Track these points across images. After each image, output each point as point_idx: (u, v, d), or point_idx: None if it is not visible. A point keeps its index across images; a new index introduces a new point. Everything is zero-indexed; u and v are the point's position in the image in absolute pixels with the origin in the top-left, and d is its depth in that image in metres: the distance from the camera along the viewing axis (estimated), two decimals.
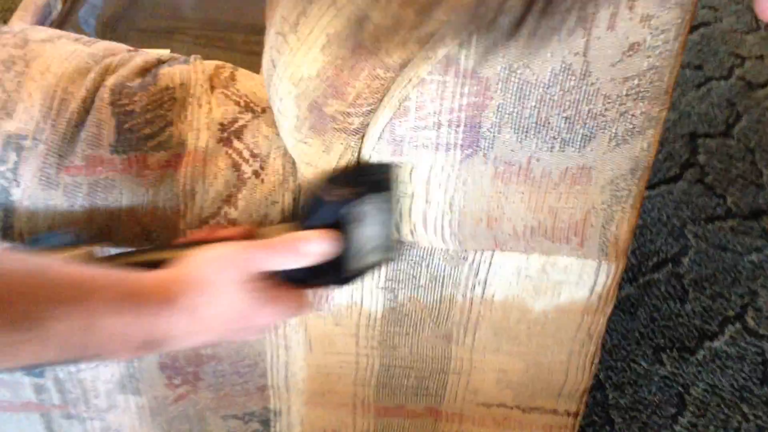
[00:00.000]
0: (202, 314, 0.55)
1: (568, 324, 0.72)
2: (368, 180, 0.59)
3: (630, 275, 1.34)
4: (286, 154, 0.65)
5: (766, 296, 1.31)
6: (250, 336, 0.62)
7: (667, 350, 1.23)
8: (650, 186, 1.52)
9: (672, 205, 1.47)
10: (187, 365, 0.79)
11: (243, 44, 1.21)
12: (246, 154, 0.64)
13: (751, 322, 1.27)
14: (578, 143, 0.57)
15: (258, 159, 0.64)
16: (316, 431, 0.84)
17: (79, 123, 0.65)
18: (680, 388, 1.18)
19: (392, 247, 0.65)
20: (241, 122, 0.65)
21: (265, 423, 0.84)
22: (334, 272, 0.60)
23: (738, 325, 1.26)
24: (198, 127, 0.64)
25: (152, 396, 0.82)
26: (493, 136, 0.57)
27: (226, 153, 0.64)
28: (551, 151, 0.57)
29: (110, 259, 0.61)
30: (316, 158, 0.61)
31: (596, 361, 0.75)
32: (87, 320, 0.50)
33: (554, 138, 0.57)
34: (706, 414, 1.15)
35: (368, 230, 0.60)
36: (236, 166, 0.64)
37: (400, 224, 0.64)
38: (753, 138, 1.61)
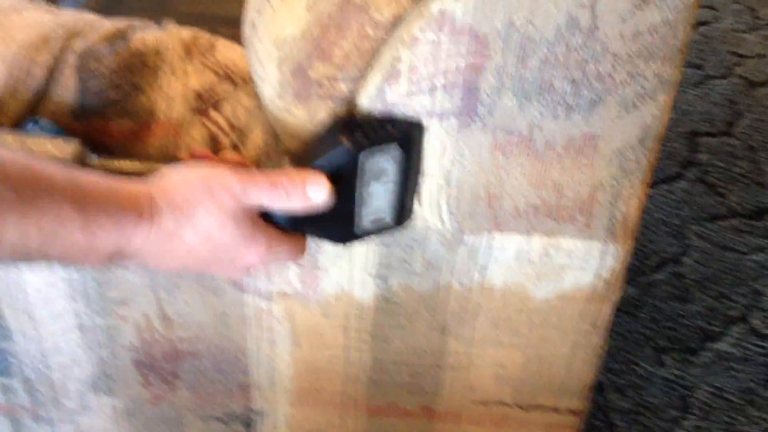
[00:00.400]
0: (181, 236, 0.50)
1: (571, 313, 0.67)
2: (392, 133, 0.53)
3: (631, 275, 1.29)
4: (267, 128, 0.60)
5: None
6: (233, 274, 0.56)
7: (670, 352, 1.18)
8: (650, 185, 1.48)
9: (673, 205, 1.42)
10: (165, 362, 0.74)
11: (232, 38, 1.18)
12: (224, 125, 0.59)
13: (756, 323, 1.22)
14: (584, 109, 0.52)
15: (237, 131, 0.59)
16: None
17: (43, 92, 0.61)
18: (683, 391, 1.13)
19: (406, 215, 0.59)
20: (220, 93, 0.60)
21: (248, 424, 0.79)
22: (337, 227, 0.54)
23: (742, 326, 1.22)
24: (172, 96, 0.60)
25: (127, 396, 0.77)
26: (493, 101, 0.53)
27: (202, 123, 0.59)
28: (555, 118, 0.53)
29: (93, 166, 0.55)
30: (300, 129, 0.56)
31: (602, 354, 0.71)
32: (46, 228, 0.45)
33: (558, 103, 0.52)
34: (709, 417, 1.10)
35: (383, 188, 0.54)
36: (213, 138, 0.59)
37: (420, 189, 0.58)
38: (755, 136, 1.57)
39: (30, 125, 0.58)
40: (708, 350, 1.18)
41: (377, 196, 0.54)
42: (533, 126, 0.54)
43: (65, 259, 0.48)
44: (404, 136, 0.53)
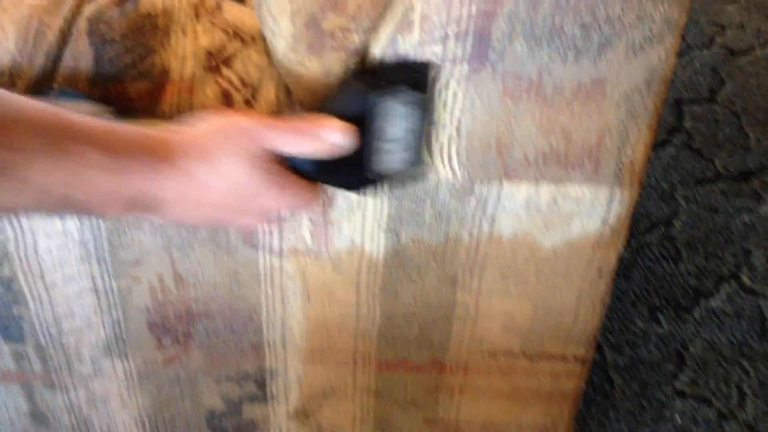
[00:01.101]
0: (202, 181, 0.50)
1: (578, 261, 0.69)
2: (406, 76, 0.54)
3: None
4: (279, 84, 0.61)
5: (760, 254, 1.29)
6: (250, 221, 0.56)
7: (664, 310, 1.21)
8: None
9: (661, 170, 1.45)
10: (178, 324, 0.75)
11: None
12: (236, 82, 0.60)
13: (746, 280, 1.25)
14: (593, 52, 0.54)
15: (249, 88, 0.60)
16: (315, 390, 0.81)
17: (56, 56, 0.61)
18: (679, 346, 1.16)
19: (420, 162, 0.59)
20: (230, 50, 0.61)
21: (261, 384, 0.80)
22: (351, 173, 0.54)
23: (733, 284, 1.25)
24: (183, 56, 0.60)
25: (141, 359, 0.78)
26: (503, 47, 0.54)
27: (215, 81, 0.60)
28: (564, 63, 0.54)
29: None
30: (314, 82, 0.57)
31: (606, 300, 0.72)
32: (70, 171, 0.46)
33: (568, 47, 0.54)
34: (706, 370, 1.13)
35: (396, 131, 0.55)
36: (226, 95, 0.60)
37: (432, 141, 0.59)
38: (738, 103, 1.60)
39: (57, 93, 0.58)
40: (701, 307, 1.21)
41: (390, 140, 0.55)
42: (543, 71, 0.55)
43: (87, 204, 0.48)
44: (418, 79, 0.54)
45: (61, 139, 0.45)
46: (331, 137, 0.52)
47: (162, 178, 0.49)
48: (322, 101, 0.56)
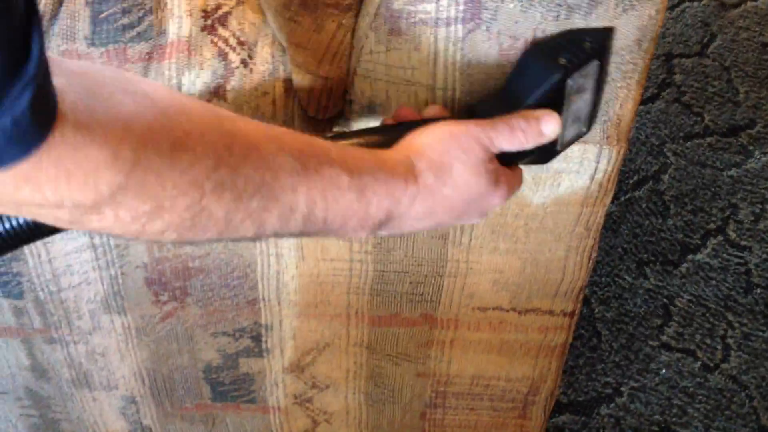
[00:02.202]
0: (442, 191, 0.52)
1: (567, 217, 0.70)
2: (592, 49, 0.54)
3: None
4: (274, 42, 0.62)
5: (746, 209, 1.31)
6: (477, 219, 0.58)
7: (651, 264, 1.23)
8: None
9: (650, 125, 1.46)
10: (175, 280, 0.77)
11: None
12: (233, 41, 0.60)
13: (732, 234, 1.27)
14: (584, 9, 0.54)
15: (246, 47, 0.61)
16: (309, 344, 0.83)
17: (52, 16, 0.61)
18: (665, 300, 1.18)
19: (594, 119, 0.60)
20: (224, 8, 0.61)
21: (256, 338, 0.82)
22: (544, 149, 0.56)
23: (720, 238, 1.27)
24: (179, 15, 0.61)
25: (138, 315, 0.80)
26: (496, 6, 0.54)
27: (212, 41, 0.60)
28: (556, 20, 0.55)
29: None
30: (307, 39, 0.58)
31: (593, 255, 0.74)
32: (327, 195, 0.46)
33: (559, 5, 0.54)
34: (692, 323, 1.16)
35: (582, 101, 0.56)
36: (223, 55, 0.60)
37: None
38: (728, 57, 1.60)
39: None
40: (687, 261, 1.23)
41: (578, 110, 0.57)
42: (536, 30, 0.56)
43: (342, 228, 0.49)
44: (601, 48, 0.55)
45: (318, 165, 0.46)
46: (548, 129, 0.54)
47: (406, 195, 0.51)
48: (512, 82, 0.56)
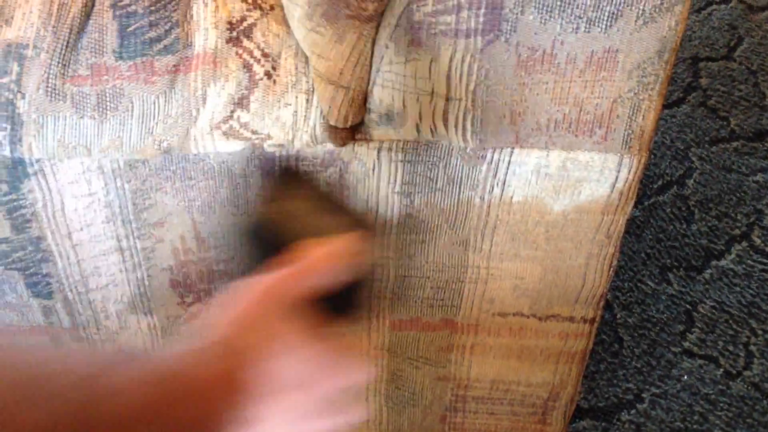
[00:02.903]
0: (277, 378, 0.45)
1: (587, 225, 0.71)
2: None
3: (635, 198, 1.33)
4: (297, 53, 0.63)
5: None
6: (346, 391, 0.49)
7: (674, 270, 1.23)
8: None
9: (676, 129, 1.45)
10: (200, 282, 0.78)
11: None
12: (257, 53, 0.61)
13: (757, 241, 1.26)
14: (604, 22, 0.55)
15: (269, 59, 0.62)
16: None
17: (80, 29, 0.62)
18: (688, 306, 1.18)
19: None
20: (249, 20, 0.62)
21: None
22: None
23: (744, 244, 1.26)
24: (205, 27, 0.62)
25: (164, 315, 0.81)
26: (516, 17, 0.55)
27: (237, 54, 0.61)
28: (576, 33, 0.55)
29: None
30: (329, 49, 0.59)
31: (614, 263, 0.74)
32: None
33: (579, 17, 0.55)
34: (714, 330, 1.15)
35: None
36: (247, 67, 0.61)
37: (448, 111, 0.59)
38: (755, 60, 1.59)
39: None
40: (711, 267, 1.23)
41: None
42: (555, 41, 0.56)
43: None
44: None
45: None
46: (350, 245, 0.50)
47: (231, 401, 0.44)
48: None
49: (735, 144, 1.42)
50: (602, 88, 0.59)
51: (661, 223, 1.29)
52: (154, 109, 0.63)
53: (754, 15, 1.69)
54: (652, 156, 1.40)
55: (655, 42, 0.56)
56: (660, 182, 1.36)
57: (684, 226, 1.29)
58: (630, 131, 0.62)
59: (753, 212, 1.31)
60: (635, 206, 1.31)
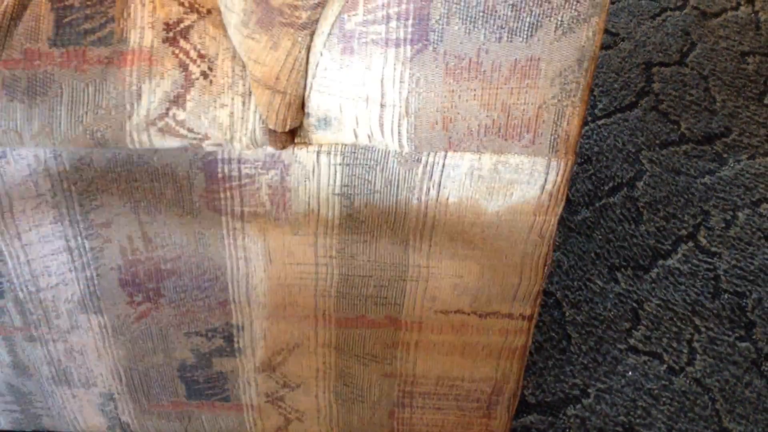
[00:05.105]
0: None
1: (520, 225, 0.73)
2: None
3: (586, 200, 1.37)
4: (234, 56, 0.65)
5: (717, 216, 1.34)
6: None
7: (622, 269, 1.26)
8: (606, 114, 1.54)
9: (627, 133, 1.49)
10: (148, 281, 0.80)
11: None
12: (193, 54, 0.64)
13: (703, 241, 1.30)
14: (525, 32, 0.58)
15: (206, 60, 0.64)
16: (279, 344, 0.86)
17: (16, 17, 0.64)
18: (634, 304, 1.22)
19: None
20: (186, 22, 0.64)
21: (228, 338, 0.85)
22: None
23: (690, 244, 1.30)
24: (142, 26, 0.64)
25: (114, 315, 0.83)
26: (442, 27, 0.58)
27: (173, 53, 0.63)
28: (499, 42, 0.58)
29: None
30: (264, 55, 0.61)
31: (548, 262, 0.77)
32: None
33: (501, 27, 0.57)
34: (659, 327, 1.19)
35: None
36: (183, 66, 0.63)
37: (384, 117, 0.62)
38: (707, 66, 1.63)
39: None
40: (658, 267, 1.27)
41: None
42: (480, 50, 0.59)
43: None
44: None
45: None
46: None
47: None
48: None
49: (684, 147, 1.47)
50: (527, 95, 0.62)
51: (610, 224, 1.33)
52: (84, 96, 0.64)
53: (707, 21, 1.74)
54: (604, 159, 1.44)
55: (574, 51, 0.59)
56: (611, 184, 1.39)
57: (633, 226, 1.33)
58: (556, 135, 0.65)
59: (700, 213, 1.35)
60: (586, 207, 1.35)
